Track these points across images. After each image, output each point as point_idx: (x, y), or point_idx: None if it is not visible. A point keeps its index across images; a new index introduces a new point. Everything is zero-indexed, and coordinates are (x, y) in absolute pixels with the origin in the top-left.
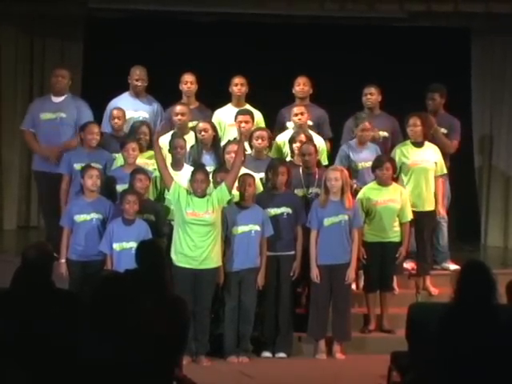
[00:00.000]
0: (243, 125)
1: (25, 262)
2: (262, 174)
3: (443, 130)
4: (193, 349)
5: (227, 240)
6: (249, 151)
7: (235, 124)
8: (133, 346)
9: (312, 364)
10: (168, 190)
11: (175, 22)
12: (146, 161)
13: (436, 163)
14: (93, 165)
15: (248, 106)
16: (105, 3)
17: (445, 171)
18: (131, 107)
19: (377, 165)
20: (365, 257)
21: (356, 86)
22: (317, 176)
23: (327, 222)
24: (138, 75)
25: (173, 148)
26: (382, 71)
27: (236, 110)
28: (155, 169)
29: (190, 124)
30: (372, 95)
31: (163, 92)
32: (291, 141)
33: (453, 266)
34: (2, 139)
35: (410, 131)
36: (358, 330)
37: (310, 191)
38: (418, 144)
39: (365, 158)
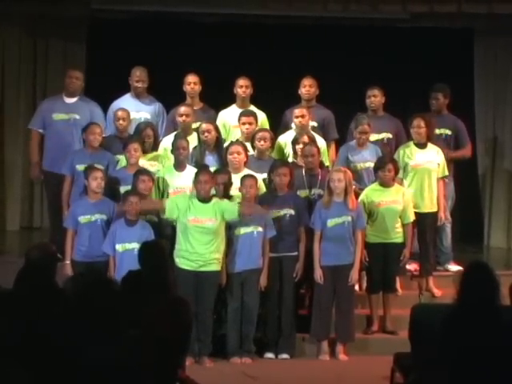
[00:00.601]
0: (246, 126)
1: (28, 263)
2: (265, 175)
3: (447, 131)
4: (196, 350)
5: (229, 241)
6: (251, 152)
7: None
8: (136, 347)
9: (315, 365)
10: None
11: (178, 22)
12: (149, 162)
13: (439, 164)
14: (96, 166)
15: (252, 107)
16: (108, 4)
17: (446, 173)
18: (133, 108)
19: (379, 166)
20: (367, 259)
21: (359, 86)
22: (319, 177)
23: (331, 222)
24: (138, 76)
25: (175, 149)
26: (384, 72)
27: (241, 111)
28: (158, 170)
29: (193, 125)
30: (376, 97)
31: (167, 93)
32: (294, 142)
33: (456, 267)
34: (5, 140)
35: (414, 132)
36: (360, 331)
37: (313, 192)
38: (421, 145)
39: (364, 158)
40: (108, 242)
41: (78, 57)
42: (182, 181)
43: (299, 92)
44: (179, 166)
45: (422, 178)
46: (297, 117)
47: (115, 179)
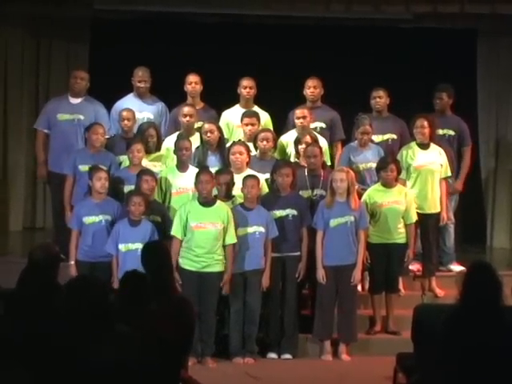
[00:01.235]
0: (249, 127)
1: (31, 263)
2: (267, 175)
3: (450, 132)
4: (198, 350)
5: None
6: (254, 152)
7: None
8: (139, 347)
9: (317, 365)
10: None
11: (180, 23)
12: (152, 162)
13: (441, 165)
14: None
15: (256, 108)
16: (110, 5)
17: (449, 173)
18: (136, 108)
19: (381, 166)
20: (369, 261)
21: (361, 87)
22: (322, 177)
23: (333, 223)
24: (140, 76)
25: (178, 149)
26: (387, 72)
27: (243, 111)
28: (161, 170)
29: (196, 125)
30: (381, 98)
31: (168, 93)
32: (296, 142)
33: (458, 268)
34: (8, 140)
35: (417, 133)
36: (363, 331)
37: (315, 193)
38: (424, 146)
39: (366, 159)
40: (111, 242)
41: (81, 57)
42: (185, 181)
43: (304, 93)
44: (182, 166)
45: (425, 178)
46: (298, 118)
47: (118, 179)
